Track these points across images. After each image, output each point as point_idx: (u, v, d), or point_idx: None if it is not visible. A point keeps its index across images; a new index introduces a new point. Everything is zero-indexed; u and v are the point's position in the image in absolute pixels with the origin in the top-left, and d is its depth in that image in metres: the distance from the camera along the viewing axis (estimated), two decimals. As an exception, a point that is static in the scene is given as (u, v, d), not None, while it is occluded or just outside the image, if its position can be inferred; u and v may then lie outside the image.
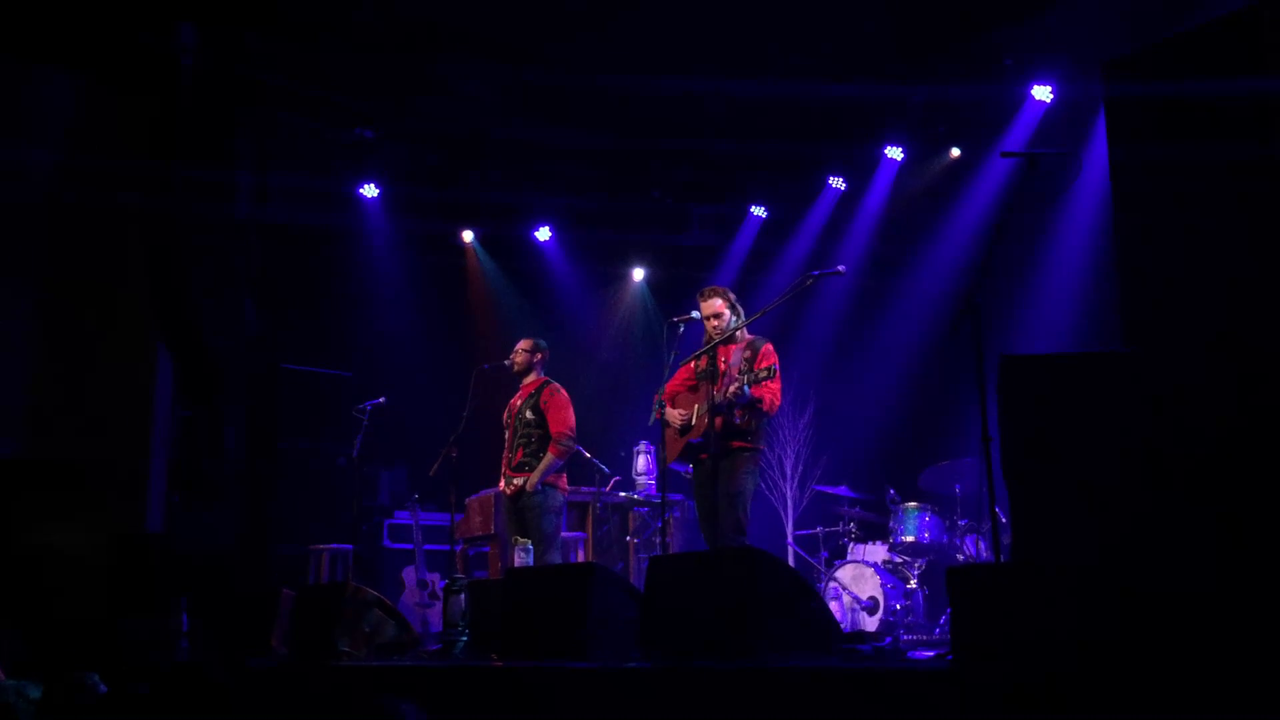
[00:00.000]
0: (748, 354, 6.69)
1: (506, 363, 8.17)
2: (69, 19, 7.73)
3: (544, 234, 11.80)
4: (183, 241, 8.42)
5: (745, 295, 10.48)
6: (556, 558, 7.77)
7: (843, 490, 9.26)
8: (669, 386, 6.96)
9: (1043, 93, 9.05)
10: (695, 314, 6.92)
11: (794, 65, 9.00)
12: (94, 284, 8.01)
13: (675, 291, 11.39)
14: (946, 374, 9.15)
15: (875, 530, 9.17)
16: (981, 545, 8.38)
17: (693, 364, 6.99)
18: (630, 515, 9.54)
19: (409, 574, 9.58)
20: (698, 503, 6.97)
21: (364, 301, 11.21)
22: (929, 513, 8.59)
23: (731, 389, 6.51)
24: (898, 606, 8.26)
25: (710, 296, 6.96)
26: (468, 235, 11.91)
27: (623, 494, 9.45)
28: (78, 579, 7.01)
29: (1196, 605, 2.95)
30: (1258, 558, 2.97)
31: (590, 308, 12.34)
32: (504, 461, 7.99)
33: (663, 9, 8.51)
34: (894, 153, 10.32)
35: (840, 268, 6.66)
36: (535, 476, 7.68)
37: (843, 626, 6.73)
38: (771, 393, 6.63)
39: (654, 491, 9.24)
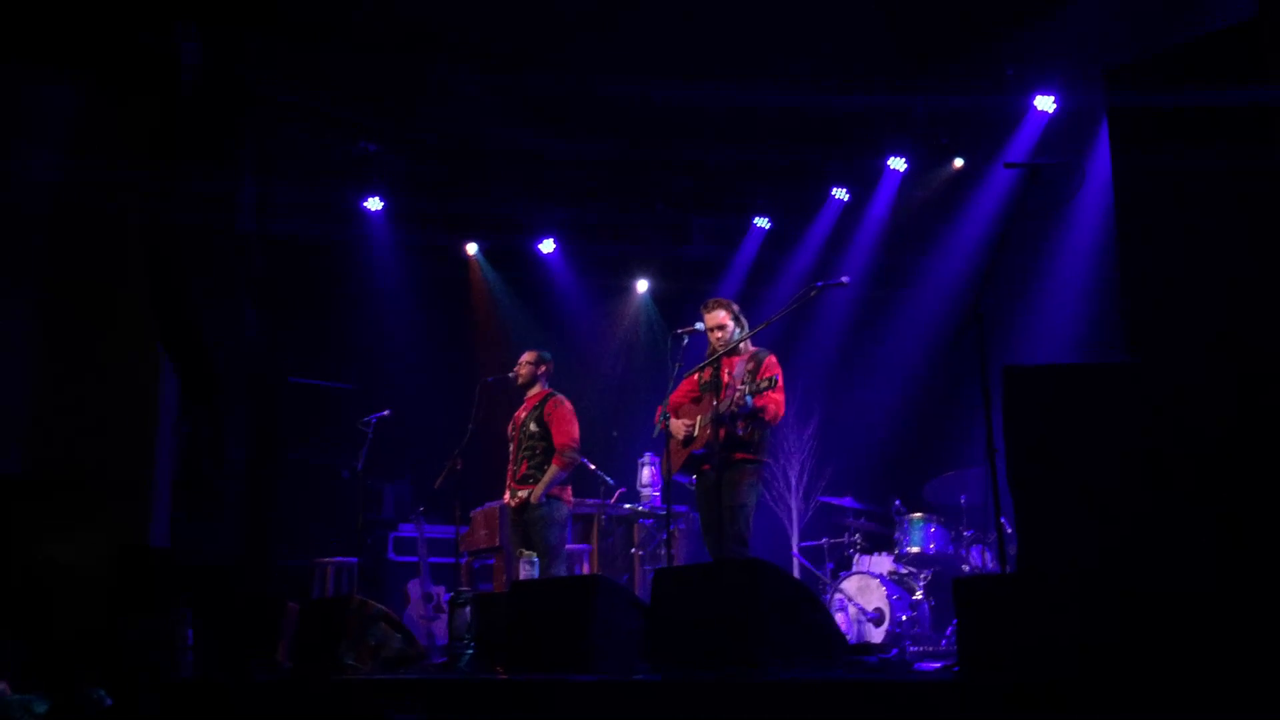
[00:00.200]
0: (751, 366, 6.70)
1: (511, 375, 8.18)
2: (72, 26, 7.75)
3: (548, 246, 11.81)
4: (185, 253, 8.43)
5: (749, 307, 10.48)
6: (561, 570, 7.76)
7: (847, 501, 9.25)
8: (673, 398, 6.96)
9: (1045, 103, 9.05)
10: (699, 325, 6.92)
11: (797, 76, 9.01)
12: (97, 294, 8.01)
13: (679, 303, 11.39)
14: (951, 384, 9.14)
15: (880, 541, 9.16)
16: (987, 556, 8.36)
17: (696, 376, 6.99)
18: (635, 527, 9.53)
19: (414, 587, 9.58)
20: (701, 514, 6.97)
21: (368, 314, 11.22)
22: (934, 523, 8.57)
23: (735, 396, 6.51)
24: (903, 618, 8.24)
25: (714, 308, 6.96)
26: (471, 247, 11.92)
27: (627, 506, 9.44)
28: (82, 592, 7.01)
29: (1203, 612, 2.94)
30: (1263, 564, 2.97)
31: (594, 319, 12.34)
32: (508, 474, 7.99)
33: (666, 20, 8.53)
34: (897, 163, 10.33)
35: (844, 279, 6.66)
36: (540, 489, 7.68)
37: (848, 638, 6.72)
38: (774, 402, 6.62)
39: (659, 503, 9.23)
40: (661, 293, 12.42)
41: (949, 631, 8.07)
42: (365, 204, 10.85)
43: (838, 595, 8.53)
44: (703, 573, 5.48)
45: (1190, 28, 6.36)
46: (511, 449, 8.04)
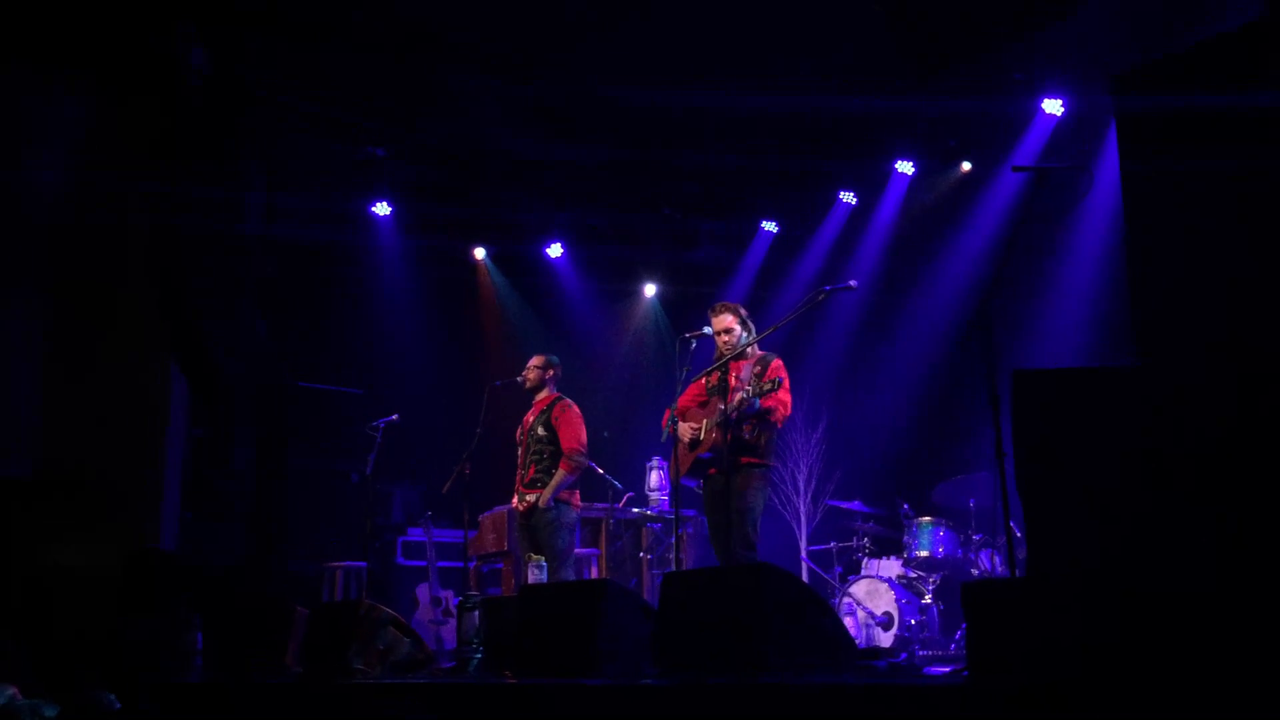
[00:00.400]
0: (757, 369, 6.70)
1: (519, 379, 8.19)
2: (79, 33, 7.78)
3: (555, 250, 11.82)
4: (194, 260, 8.45)
5: (757, 311, 10.49)
6: (570, 574, 7.76)
7: (856, 505, 9.24)
8: (681, 402, 6.96)
9: (1053, 106, 9.05)
10: (707, 329, 6.93)
11: (804, 80, 9.01)
12: (105, 298, 8.03)
13: (687, 307, 11.40)
14: (959, 388, 9.14)
15: (889, 545, 9.15)
16: (996, 559, 8.35)
17: (704, 380, 6.99)
18: (644, 531, 9.53)
19: (423, 591, 9.58)
20: (708, 518, 6.96)
21: (376, 319, 11.24)
22: (943, 527, 8.57)
23: (738, 398, 6.51)
24: (912, 622, 8.23)
25: (721, 312, 6.96)
26: (479, 252, 11.95)
27: (636, 510, 9.44)
28: (90, 596, 7.03)
29: (1213, 616, 2.94)
30: (1273, 566, 2.96)
31: (602, 324, 12.35)
32: (516, 478, 7.99)
33: (674, 25, 8.53)
34: (905, 167, 10.33)
35: (852, 283, 6.65)
36: (547, 493, 7.69)
37: (858, 642, 6.71)
38: (781, 403, 6.61)
39: (667, 507, 9.24)
40: (669, 297, 12.43)
41: (958, 635, 8.06)
42: (373, 209, 10.87)
43: (846, 599, 8.52)
44: (711, 577, 5.48)
45: (1198, 30, 6.35)
46: (519, 453, 8.05)
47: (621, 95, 9.17)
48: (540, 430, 7.89)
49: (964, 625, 6.87)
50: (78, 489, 7.48)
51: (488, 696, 5.07)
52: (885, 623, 8.28)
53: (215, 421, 8.62)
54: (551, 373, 8.15)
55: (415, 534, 10.24)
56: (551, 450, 7.81)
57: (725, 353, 6.84)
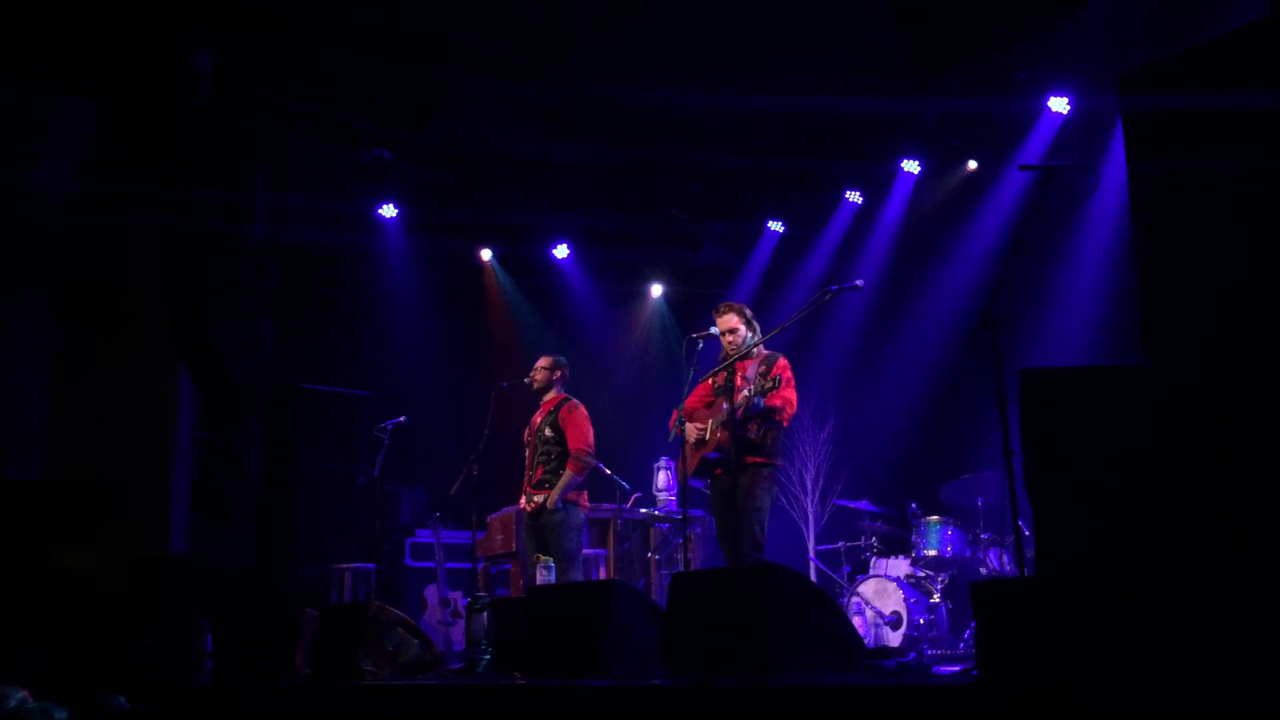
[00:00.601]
0: (762, 368, 6.70)
1: (526, 380, 8.19)
2: (84, 40, 7.80)
3: (562, 251, 11.83)
4: (201, 263, 8.47)
5: (764, 311, 10.49)
6: (578, 575, 7.77)
7: (864, 504, 9.24)
8: (688, 403, 6.97)
9: (1059, 104, 9.04)
10: (713, 330, 6.93)
11: (809, 79, 9.01)
12: (114, 303, 8.05)
13: (693, 307, 11.40)
14: (967, 387, 9.13)
15: (897, 544, 9.14)
16: (1005, 558, 8.34)
17: (711, 380, 6.99)
18: (651, 531, 9.53)
19: (431, 592, 9.59)
20: (716, 518, 6.97)
21: (384, 321, 11.25)
22: (951, 526, 8.56)
23: (741, 396, 6.50)
24: (921, 621, 8.23)
25: (725, 312, 6.97)
26: (486, 254, 11.96)
27: (643, 510, 9.44)
28: (99, 600, 7.05)
29: (1225, 615, 2.94)
30: (1283, 569, 2.96)
31: (609, 324, 12.36)
32: (524, 479, 8.00)
33: (680, 25, 8.54)
34: (911, 166, 10.32)
35: (859, 282, 6.65)
36: (555, 493, 7.69)
37: (866, 642, 6.70)
38: (785, 401, 6.60)
39: (675, 507, 9.23)
40: (675, 297, 12.43)
41: (967, 635, 8.05)
42: (380, 211, 10.88)
43: (855, 599, 8.52)
44: (719, 577, 5.48)
45: (1204, 29, 6.34)
46: (527, 454, 8.06)
47: (626, 96, 9.18)
48: (548, 431, 7.90)
49: (973, 624, 6.87)
50: (86, 492, 7.50)
51: (496, 697, 5.08)
52: (894, 622, 8.27)
53: (223, 424, 8.63)
54: (559, 374, 8.15)
55: (423, 535, 10.26)
56: (559, 451, 7.82)
57: (731, 353, 6.84)
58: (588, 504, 8.06)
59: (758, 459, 6.67)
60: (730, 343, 6.89)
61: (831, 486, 9.95)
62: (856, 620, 8.23)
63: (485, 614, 6.77)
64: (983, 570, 8.39)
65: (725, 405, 6.63)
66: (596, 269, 12.01)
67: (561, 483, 7.71)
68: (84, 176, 8.06)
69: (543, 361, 8.22)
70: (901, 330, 10.46)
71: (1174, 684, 2.93)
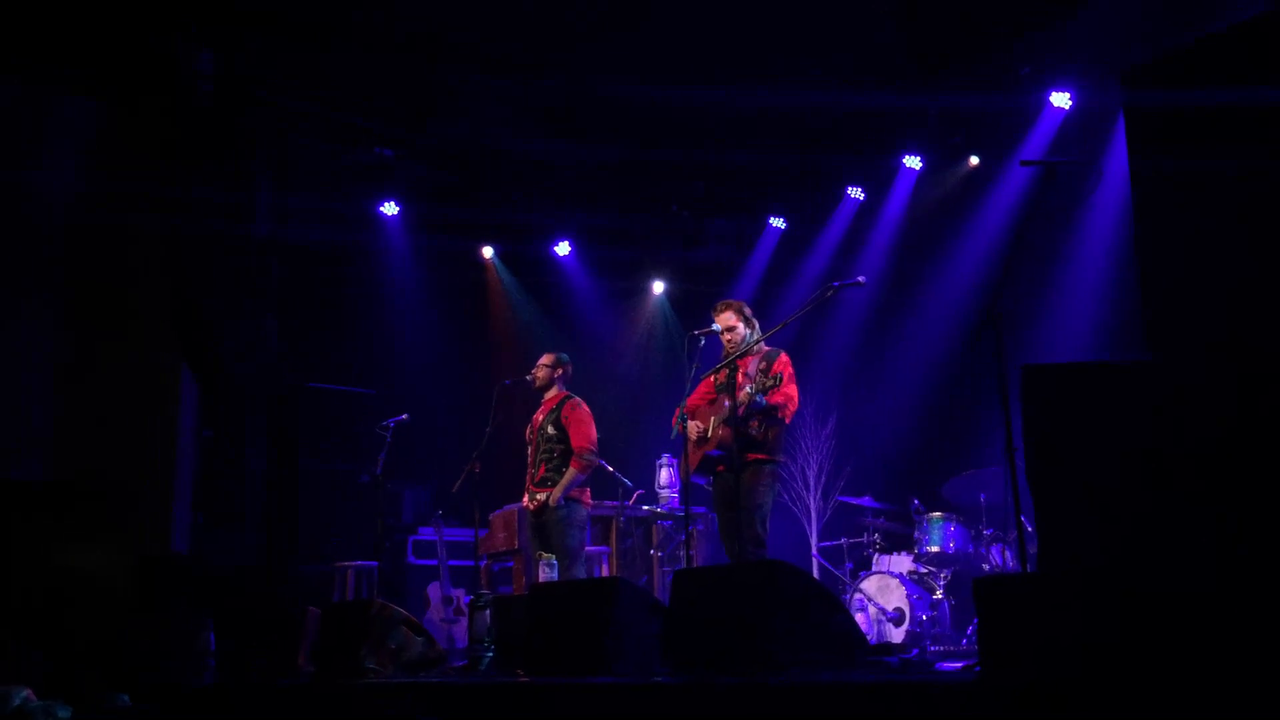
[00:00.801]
0: (763, 365, 6.70)
1: (528, 378, 8.19)
2: (88, 43, 7.80)
3: (563, 249, 11.83)
4: (203, 263, 8.47)
5: (766, 307, 10.50)
6: (580, 572, 7.77)
7: (866, 501, 9.23)
8: (690, 400, 6.96)
9: (1061, 100, 9.02)
10: (715, 327, 6.93)
11: (811, 76, 9.00)
12: (116, 303, 8.06)
13: (695, 305, 11.39)
14: (969, 383, 9.12)
15: (900, 541, 9.14)
16: (1007, 555, 8.34)
17: (712, 378, 6.99)
18: (654, 529, 9.53)
19: (434, 590, 9.60)
20: (718, 516, 6.97)
21: (385, 319, 11.24)
22: (954, 523, 8.55)
23: (743, 394, 6.50)
24: (924, 617, 8.23)
25: (723, 311, 6.97)
26: (487, 251, 11.95)
27: (646, 507, 9.44)
28: (102, 599, 7.06)
29: (1228, 612, 2.93)
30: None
31: (611, 322, 12.35)
32: (527, 477, 8.00)
33: (681, 23, 8.53)
34: (912, 162, 10.31)
35: (860, 278, 6.64)
36: (558, 491, 7.69)
37: (869, 638, 6.71)
38: (787, 398, 6.60)
39: (677, 505, 9.23)
40: (677, 294, 12.43)
41: (970, 631, 8.05)
42: (381, 209, 10.88)
43: (857, 595, 8.52)
44: (721, 574, 5.49)
45: (1206, 24, 6.33)
46: (529, 452, 8.05)
47: (628, 94, 9.17)
48: (550, 429, 7.90)
49: (975, 621, 6.86)
50: (88, 492, 7.51)
51: (499, 695, 5.08)
52: (896, 618, 8.27)
53: (226, 423, 8.64)
54: (561, 371, 8.15)
55: (426, 533, 10.26)
56: (562, 449, 7.82)
57: (730, 351, 6.84)
58: (590, 501, 8.05)
59: (759, 455, 6.67)
60: (729, 340, 6.89)
61: (834, 483, 9.95)
62: (859, 617, 8.23)
63: (488, 611, 6.78)
64: (985, 566, 8.39)
65: (727, 402, 6.63)
66: (598, 266, 12.00)
67: (565, 480, 7.71)
68: (86, 176, 8.07)
69: (545, 359, 8.21)
70: (903, 326, 10.45)
71: (1175, 682, 2.93)
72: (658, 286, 12.46)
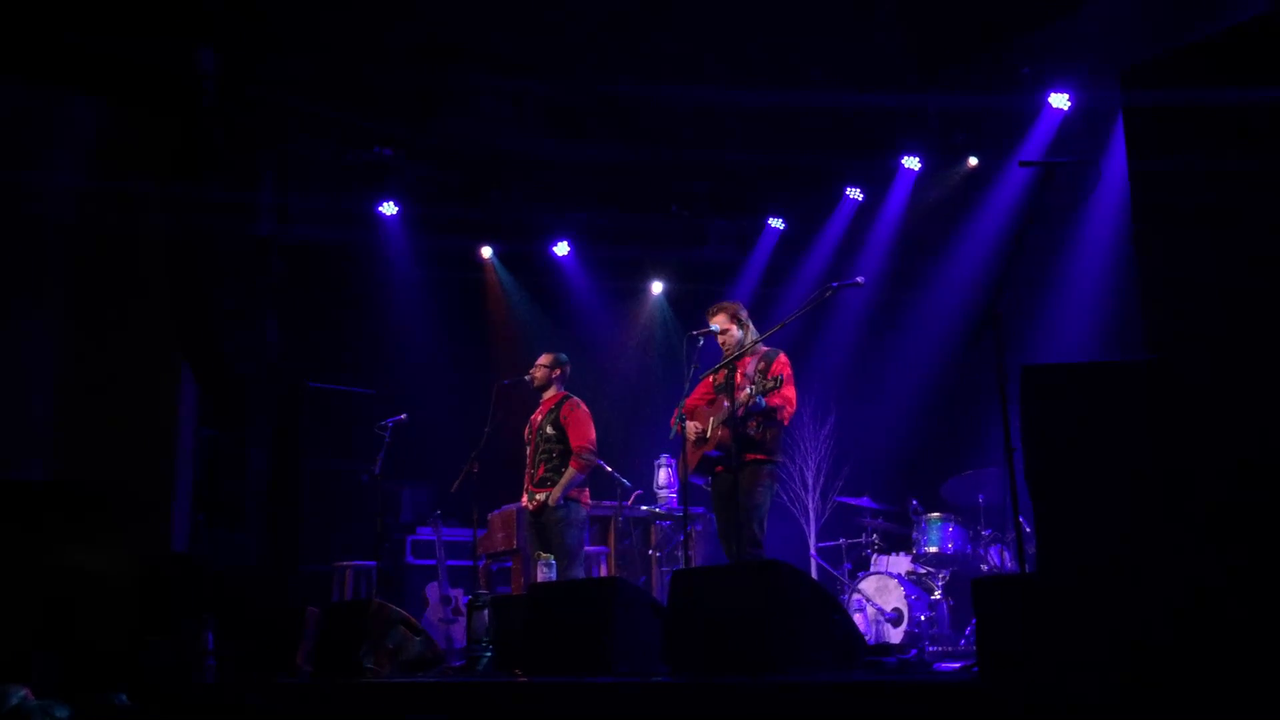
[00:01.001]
0: (761, 365, 6.71)
1: (527, 378, 8.19)
2: (90, 44, 7.80)
3: (563, 249, 11.82)
4: (205, 262, 8.47)
5: (765, 307, 10.50)
6: (579, 572, 7.77)
7: (865, 501, 9.23)
8: (689, 400, 6.96)
9: (1060, 100, 9.03)
10: (714, 327, 6.94)
11: (811, 76, 9.01)
12: (117, 305, 8.06)
13: (694, 305, 11.35)
14: (968, 384, 9.11)
15: (898, 541, 9.14)
16: (1006, 555, 8.34)
17: (711, 378, 7.00)
18: (653, 529, 9.53)
19: (432, 590, 9.59)
20: (717, 516, 6.97)
21: (385, 319, 11.24)
22: (952, 523, 8.55)
23: (742, 396, 6.50)
24: (922, 618, 8.23)
25: (716, 314, 6.98)
26: (486, 251, 11.95)
27: (644, 508, 9.44)
28: (104, 600, 7.05)
29: (1229, 614, 2.93)
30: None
31: (610, 322, 12.35)
32: (526, 477, 8.00)
33: (680, 23, 8.54)
34: (911, 162, 10.31)
35: (859, 279, 6.64)
36: (557, 491, 7.69)
37: (867, 639, 6.70)
38: (786, 399, 6.61)
39: (676, 505, 9.23)
40: (677, 294, 12.43)
41: (968, 631, 8.05)
42: (381, 209, 10.87)
43: (856, 596, 8.52)
44: (720, 574, 5.48)
45: (1206, 23, 6.32)
46: (528, 452, 8.05)
47: (627, 94, 9.18)
48: (549, 429, 7.90)
49: (974, 621, 6.86)
50: (89, 491, 7.51)
51: (498, 695, 5.08)
52: (895, 619, 8.27)
53: (228, 423, 8.64)
54: (559, 371, 8.14)
55: (424, 533, 10.25)
56: (561, 449, 7.82)
57: (726, 352, 6.85)
58: (589, 501, 8.05)
59: (758, 455, 6.67)
60: (723, 343, 6.90)
61: (833, 483, 9.95)
62: (857, 617, 8.23)
63: (486, 611, 6.78)
64: (984, 567, 8.39)
65: (726, 403, 6.63)
66: (597, 266, 12.00)
67: (564, 480, 7.71)
68: (88, 176, 8.07)
69: (543, 359, 8.21)
70: (902, 327, 10.46)
71: (1175, 680, 2.93)
72: (657, 287, 12.46)
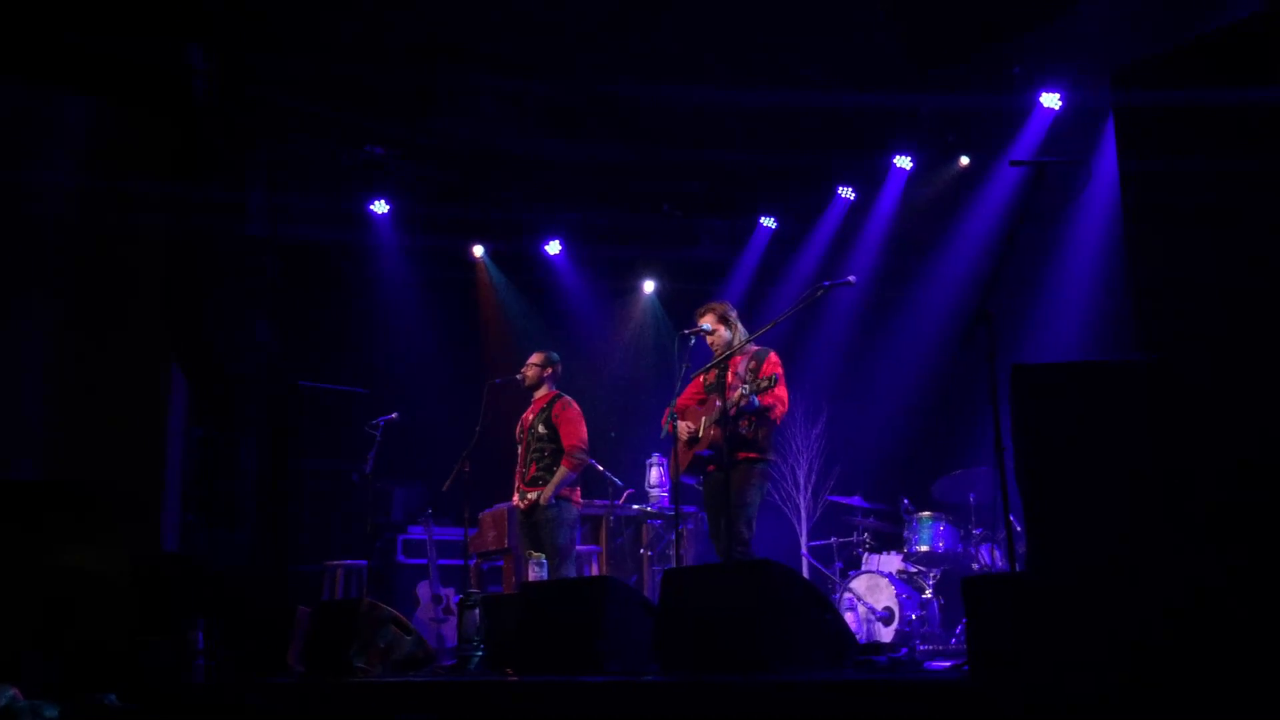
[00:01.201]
0: (752, 365, 6.71)
1: (518, 377, 8.18)
2: (83, 43, 7.78)
3: (554, 248, 11.82)
4: (197, 262, 8.45)
5: (757, 307, 10.50)
6: (571, 571, 7.77)
7: (856, 500, 9.24)
8: (680, 400, 6.97)
9: (1051, 100, 9.04)
10: (705, 327, 6.94)
11: (803, 76, 9.01)
12: (110, 304, 8.04)
13: (686, 304, 11.35)
14: (959, 383, 9.13)
15: (889, 540, 9.15)
16: (996, 554, 8.35)
17: (703, 377, 7.00)
18: (644, 528, 9.54)
19: (423, 589, 9.59)
20: (708, 515, 6.98)
21: (376, 317, 11.23)
22: (943, 522, 8.57)
23: (735, 395, 6.51)
24: (913, 616, 8.24)
25: (704, 314, 6.99)
26: (478, 250, 11.93)
27: (636, 507, 9.44)
28: (96, 600, 7.03)
29: (1219, 612, 2.94)
30: (1275, 563, 2.96)
31: (601, 321, 12.35)
32: (517, 476, 7.99)
33: (673, 22, 8.53)
34: (903, 162, 10.32)
35: (851, 278, 6.65)
36: (549, 490, 7.69)
37: (858, 637, 6.70)
38: (778, 399, 6.62)
39: (667, 504, 9.24)
40: (668, 294, 12.43)
41: (958, 630, 8.06)
42: (372, 207, 10.85)
43: (847, 594, 8.52)
44: (712, 573, 5.48)
45: (1198, 23, 6.34)
46: (520, 451, 8.05)
47: (619, 93, 9.17)
48: (540, 428, 7.89)
49: (964, 620, 6.88)
50: (79, 492, 7.49)
51: (489, 694, 5.07)
52: (886, 618, 8.28)
53: (219, 422, 8.62)
54: (551, 370, 8.14)
55: (416, 532, 10.24)
56: (552, 448, 7.81)
57: (715, 352, 6.86)
58: (580, 500, 8.05)
59: (749, 454, 6.67)
60: (712, 343, 6.91)
61: (824, 482, 9.96)
62: (848, 616, 8.24)
63: (477, 610, 6.77)
64: (974, 566, 8.40)
65: (717, 402, 6.63)
66: (589, 265, 12.00)
67: (555, 479, 7.70)
68: (82, 175, 8.05)
69: (535, 358, 8.21)
70: (894, 326, 10.46)
71: (1166, 679, 2.93)
72: (648, 286, 12.46)
